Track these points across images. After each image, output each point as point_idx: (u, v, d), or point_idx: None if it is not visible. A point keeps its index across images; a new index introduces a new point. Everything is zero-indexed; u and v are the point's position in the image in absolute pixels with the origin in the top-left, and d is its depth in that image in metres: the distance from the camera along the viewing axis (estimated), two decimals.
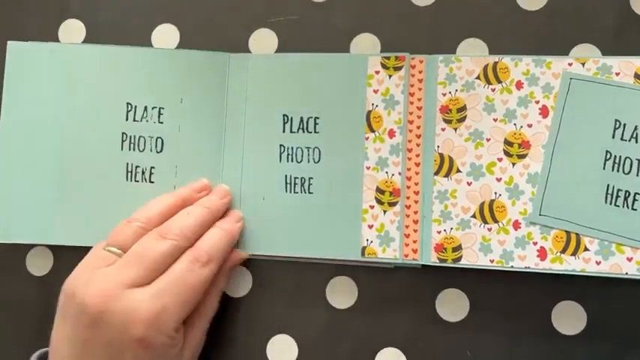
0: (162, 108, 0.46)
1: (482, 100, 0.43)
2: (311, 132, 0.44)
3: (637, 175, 0.40)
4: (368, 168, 0.43)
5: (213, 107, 0.45)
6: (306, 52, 0.45)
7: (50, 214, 0.45)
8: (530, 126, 0.42)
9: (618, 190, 0.40)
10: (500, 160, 0.42)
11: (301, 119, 0.44)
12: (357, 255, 0.43)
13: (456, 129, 0.43)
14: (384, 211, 0.43)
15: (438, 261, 0.42)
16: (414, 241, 0.42)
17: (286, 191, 0.44)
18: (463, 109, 0.43)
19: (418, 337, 0.43)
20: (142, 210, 0.42)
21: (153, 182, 0.45)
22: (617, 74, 0.41)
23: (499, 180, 0.42)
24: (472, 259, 0.41)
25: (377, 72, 0.44)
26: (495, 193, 0.42)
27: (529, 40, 0.43)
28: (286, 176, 0.44)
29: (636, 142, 0.40)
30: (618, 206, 0.40)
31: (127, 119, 0.46)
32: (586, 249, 0.40)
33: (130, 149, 0.45)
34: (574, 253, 0.40)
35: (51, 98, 0.46)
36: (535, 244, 0.41)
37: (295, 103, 0.45)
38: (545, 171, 0.41)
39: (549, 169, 0.41)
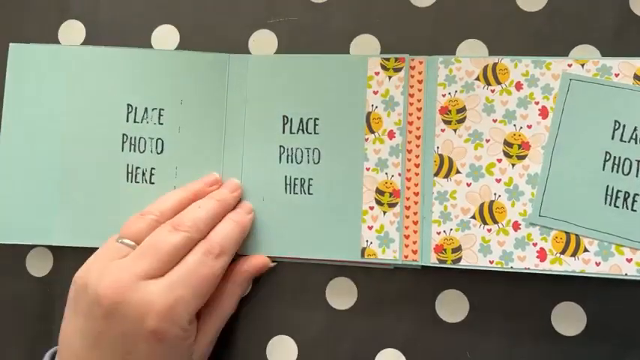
0: (163, 109, 0.46)
1: (481, 101, 0.43)
2: (311, 133, 0.44)
3: (636, 176, 0.40)
4: (368, 169, 0.43)
5: (213, 108, 0.45)
6: (306, 54, 0.45)
7: (51, 215, 0.45)
8: (529, 127, 0.42)
9: (618, 191, 0.40)
10: (499, 161, 0.42)
11: (301, 120, 0.44)
12: (356, 256, 0.43)
13: (455, 130, 0.43)
14: (384, 212, 0.43)
15: (437, 262, 0.42)
16: (414, 242, 0.42)
17: (286, 192, 0.44)
18: (463, 110, 0.43)
19: (418, 338, 0.43)
20: (155, 204, 0.42)
21: (153, 183, 0.45)
22: (617, 75, 0.41)
23: (499, 181, 0.42)
24: (472, 260, 0.42)
25: (377, 73, 0.44)
26: (495, 194, 0.42)
27: (529, 41, 0.43)
28: (286, 177, 0.44)
29: (636, 143, 0.41)
30: (618, 207, 0.40)
31: (127, 120, 0.46)
32: (586, 250, 0.40)
33: (130, 150, 0.45)
34: (574, 254, 0.40)
35: (52, 99, 0.46)
36: (535, 245, 0.41)
37: (295, 104, 0.45)
38: (544, 172, 0.41)
39: (549, 170, 0.41)
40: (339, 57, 0.45)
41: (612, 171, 0.41)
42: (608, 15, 0.43)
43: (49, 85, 0.46)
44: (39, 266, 0.47)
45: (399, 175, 0.43)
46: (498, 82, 0.43)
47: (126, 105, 0.46)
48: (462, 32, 0.44)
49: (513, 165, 0.42)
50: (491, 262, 0.41)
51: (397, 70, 0.44)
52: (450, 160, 0.43)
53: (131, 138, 0.46)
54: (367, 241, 0.43)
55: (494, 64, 0.43)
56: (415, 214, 0.43)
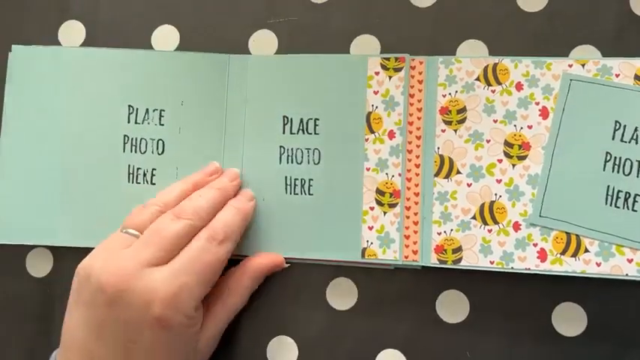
0: (163, 110, 0.46)
1: (482, 102, 0.43)
2: (311, 133, 0.44)
3: (637, 177, 0.40)
4: (368, 169, 0.43)
5: (213, 109, 0.45)
6: (306, 54, 0.45)
7: (52, 216, 0.45)
8: (530, 127, 0.42)
9: (618, 191, 0.40)
10: (500, 161, 0.42)
11: (301, 120, 0.44)
12: (357, 256, 0.43)
13: (456, 130, 0.43)
14: (384, 213, 0.43)
15: (438, 262, 0.42)
16: (414, 243, 0.42)
17: (286, 192, 0.44)
18: (463, 110, 0.43)
19: (418, 339, 0.43)
20: (158, 195, 0.42)
21: (154, 184, 0.45)
22: (617, 75, 0.41)
23: (499, 181, 0.42)
24: (472, 260, 0.41)
25: (377, 73, 0.44)
26: (495, 194, 0.42)
27: (529, 42, 0.43)
28: (286, 177, 0.44)
29: (636, 143, 0.40)
30: (618, 207, 0.40)
31: (128, 122, 0.46)
32: (586, 250, 0.40)
33: (131, 151, 0.46)
34: (574, 255, 0.40)
35: (53, 101, 0.46)
36: (535, 245, 0.41)
37: (295, 104, 0.45)
38: (545, 172, 0.41)
39: (549, 170, 0.41)
40: (339, 57, 0.45)
41: (613, 171, 0.41)
42: (609, 15, 0.43)
43: (50, 87, 0.46)
44: (39, 266, 0.47)
45: (400, 175, 0.43)
46: (499, 83, 0.43)
47: (127, 106, 0.46)
48: (462, 32, 0.44)
49: (514, 165, 0.42)
50: (491, 263, 0.41)
51: (397, 70, 0.44)
52: (451, 161, 0.43)
53: (132, 139, 0.46)
54: (367, 241, 0.43)
55: (495, 65, 0.43)
56: (415, 214, 0.43)
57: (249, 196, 0.44)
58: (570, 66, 0.42)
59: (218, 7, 0.47)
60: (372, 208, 0.43)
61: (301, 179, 0.44)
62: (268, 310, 0.44)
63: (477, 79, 0.43)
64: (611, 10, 0.42)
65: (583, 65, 0.42)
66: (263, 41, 0.46)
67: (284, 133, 0.45)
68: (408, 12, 0.45)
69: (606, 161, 0.41)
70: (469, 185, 0.42)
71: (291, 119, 0.45)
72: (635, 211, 0.40)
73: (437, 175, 0.43)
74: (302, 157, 0.44)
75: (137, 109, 0.46)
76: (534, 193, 0.41)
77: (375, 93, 0.44)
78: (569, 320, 0.41)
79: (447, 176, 0.43)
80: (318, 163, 0.44)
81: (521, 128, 0.42)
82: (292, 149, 0.44)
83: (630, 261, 0.40)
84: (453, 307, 0.42)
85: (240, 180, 0.44)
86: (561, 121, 0.42)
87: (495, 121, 0.42)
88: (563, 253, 0.41)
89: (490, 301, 0.42)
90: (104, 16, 0.48)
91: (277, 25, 0.46)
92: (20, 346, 0.46)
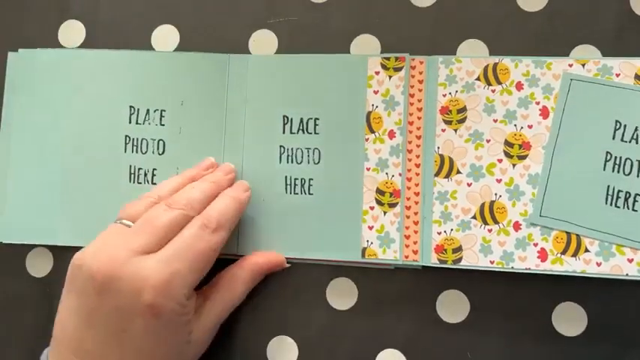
0: (164, 110, 0.46)
1: (482, 101, 0.43)
2: (311, 133, 0.44)
3: (637, 177, 0.40)
4: (368, 169, 0.43)
5: (214, 109, 0.45)
6: (306, 54, 0.45)
7: (52, 216, 0.45)
8: (530, 127, 0.42)
9: (619, 191, 0.40)
10: (500, 161, 0.42)
11: (301, 120, 0.44)
12: (357, 256, 0.43)
13: (456, 130, 0.43)
14: (385, 212, 0.43)
15: (438, 262, 0.42)
16: (415, 242, 0.42)
17: (286, 192, 0.44)
18: (463, 110, 0.43)
19: (418, 339, 0.42)
20: (153, 189, 0.42)
21: (155, 184, 0.45)
22: (618, 75, 0.41)
23: (499, 181, 0.42)
24: (472, 260, 0.41)
25: (377, 73, 0.44)
26: (496, 194, 0.42)
27: (529, 41, 0.43)
28: (286, 177, 0.44)
29: (637, 143, 0.40)
30: (619, 207, 0.40)
31: (129, 122, 0.46)
32: (586, 250, 0.40)
33: (132, 151, 0.46)
34: (574, 254, 0.40)
35: (54, 102, 0.46)
36: (535, 245, 0.41)
37: (295, 104, 0.45)
38: (545, 172, 0.41)
39: (550, 170, 0.41)
40: (339, 57, 0.45)
41: (613, 171, 0.41)
42: (609, 15, 0.42)
43: (50, 88, 0.46)
44: (39, 266, 0.47)
45: (400, 175, 0.43)
46: (499, 82, 0.43)
47: (128, 107, 0.46)
48: (462, 32, 0.44)
49: (514, 165, 0.42)
50: (491, 263, 0.41)
51: (397, 69, 0.44)
52: (451, 160, 0.43)
53: (134, 139, 0.46)
54: (368, 241, 0.43)
55: (495, 64, 0.43)
56: (416, 214, 0.43)
57: (244, 187, 0.44)
58: (570, 66, 0.42)
59: (218, 7, 0.47)
60: (372, 208, 0.43)
61: (301, 179, 0.44)
62: (268, 310, 0.44)
63: (477, 78, 0.43)
64: (612, 10, 0.42)
65: (583, 65, 0.42)
66: (263, 41, 0.46)
67: (284, 132, 0.45)
68: (408, 12, 0.45)
69: (606, 161, 0.41)
70: (469, 185, 0.42)
71: (291, 119, 0.45)
72: (636, 210, 0.40)
73: (437, 174, 0.43)
74: (302, 156, 0.44)
75: (138, 109, 0.46)
76: (534, 192, 0.41)
77: (375, 93, 0.44)
78: (570, 320, 0.41)
79: (447, 176, 0.43)
80: (318, 162, 0.44)
81: (522, 128, 0.42)
82: (292, 149, 0.44)
83: (630, 261, 0.40)
84: (453, 307, 0.42)
85: (234, 174, 0.44)
86: (561, 121, 0.42)
87: (495, 121, 0.42)
88: (563, 252, 0.41)
89: (490, 301, 0.42)
90: (104, 16, 0.48)
91: (277, 25, 0.46)
92: (20, 346, 0.46)
